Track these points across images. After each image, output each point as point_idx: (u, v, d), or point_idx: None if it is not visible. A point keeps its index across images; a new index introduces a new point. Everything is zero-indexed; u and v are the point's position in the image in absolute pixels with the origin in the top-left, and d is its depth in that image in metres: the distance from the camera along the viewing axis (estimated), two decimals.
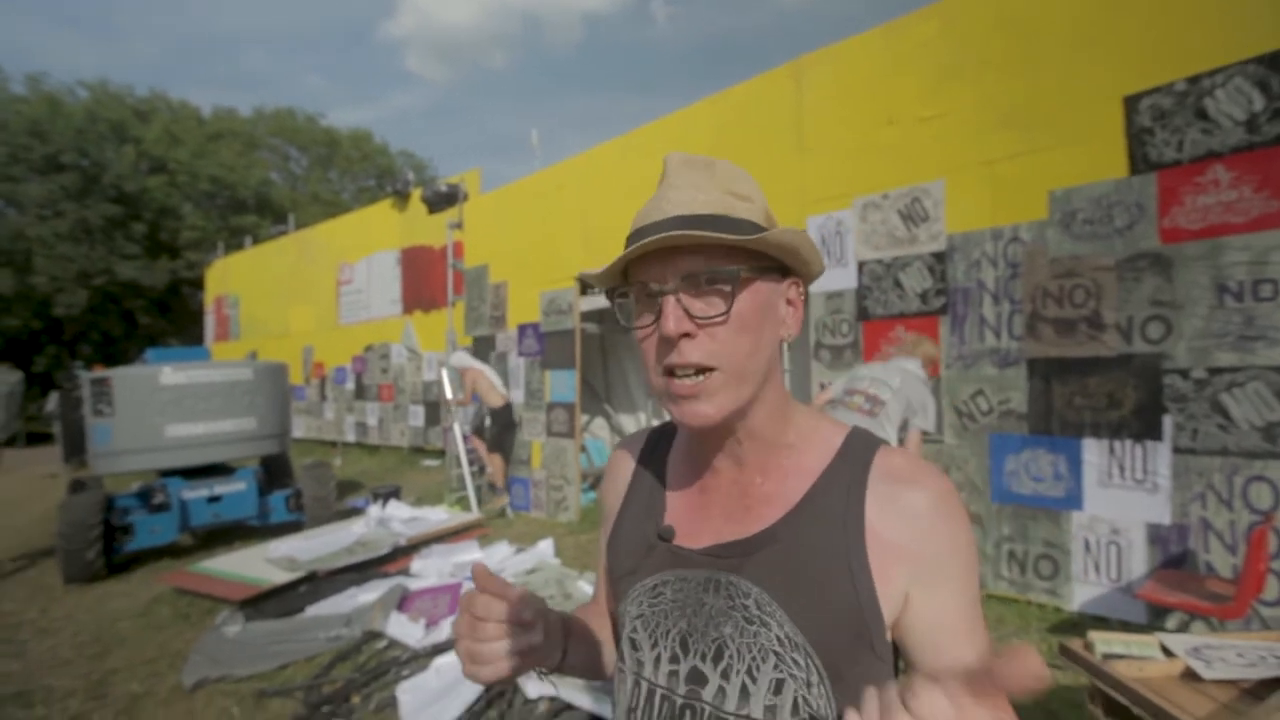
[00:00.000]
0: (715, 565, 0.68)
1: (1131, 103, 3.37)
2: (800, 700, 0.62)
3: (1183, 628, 3.10)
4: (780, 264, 0.67)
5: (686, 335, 0.61)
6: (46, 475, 11.10)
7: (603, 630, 0.85)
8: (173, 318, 23.70)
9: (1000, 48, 3.81)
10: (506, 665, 0.65)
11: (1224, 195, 3.12)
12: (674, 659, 0.68)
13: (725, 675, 0.64)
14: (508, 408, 6.80)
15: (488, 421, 6.78)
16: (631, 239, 0.65)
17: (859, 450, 0.69)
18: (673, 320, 0.61)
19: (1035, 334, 3.67)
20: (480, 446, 6.98)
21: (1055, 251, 3.61)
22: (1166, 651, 1.86)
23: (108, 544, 5.22)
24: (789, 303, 0.69)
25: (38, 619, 4.46)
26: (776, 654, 0.63)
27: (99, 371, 5.99)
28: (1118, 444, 3.41)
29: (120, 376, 5.74)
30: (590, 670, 0.81)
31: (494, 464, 6.85)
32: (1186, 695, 1.69)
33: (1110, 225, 3.44)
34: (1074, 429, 3.54)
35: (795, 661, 0.62)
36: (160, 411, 5.73)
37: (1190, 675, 1.77)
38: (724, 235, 0.59)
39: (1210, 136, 3.16)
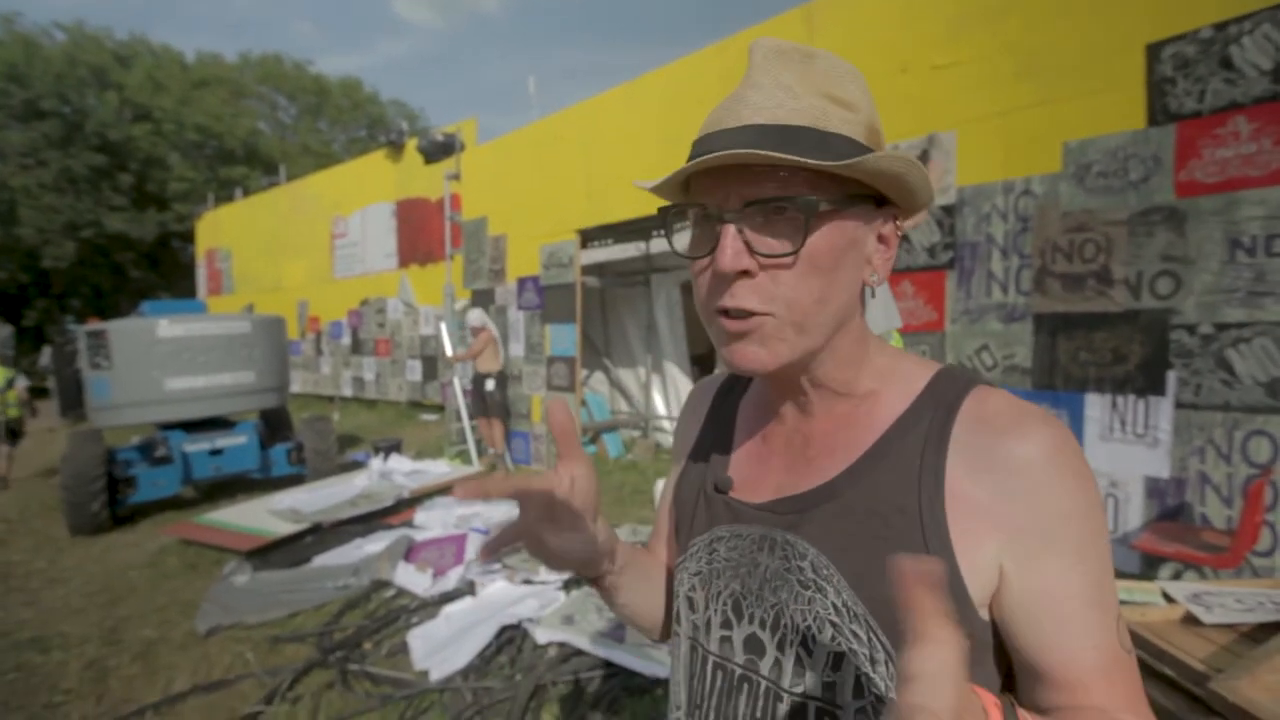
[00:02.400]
0: (772, 522, 0.61)
1: (1154, 51, 3.28)
2: (863, 679, 0.53)
3: (1176, 578, 3.18)
4: (876, 193, 0.55)
5: (745, 274, 0.52)
6: (44, 429, 11.10)
7: (658, 573, 0.79)
8: (163, 271, 23.41)
9: None
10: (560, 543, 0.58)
11: (1243, 148, 3.06)
12: (725, 624, 0.62)
13: (781, 646, 0.58)
14: (504, 373, 6.78)
15: (490, 386, 6.56)
16: (697, 147, 0.54)
17: (946, 392, 0.57)
18: (729, 254, 0.51)
19: (1043, 289, 3.65)
20: (484, 425, 6.84)
21: (1067, 205, 3.56)
22: (1167, 598, 1.91)
23: (111, 496, 5.26)
24: (881, 239, 0.57)
25: (47, 569, 4.52)
26: (834, 624, 0.55)
27: (94, 324, 5.93)
28: (1120, 399, 3.43)
29: (117, 329, 5.69)
30: (633, 601, 0.72)
31: (497, 431, 6.77)
32: (1187, 639, 1.73)
33: (1125, 178, 3.38)
34: (1077, 384, 3.55)
35: (855, 634, 0.54)
36: (159, 364, 5.70)
37: (1190, 620, 1.82)
38: (804, 158, 0.49)
39: (1233, 86, 3.08)
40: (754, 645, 0.60)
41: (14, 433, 7.90)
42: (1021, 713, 0.44)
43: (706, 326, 0.57)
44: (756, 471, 0.66)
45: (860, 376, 0.60)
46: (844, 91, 0.54)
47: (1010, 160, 3.75)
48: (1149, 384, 3.33)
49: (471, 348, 6.61)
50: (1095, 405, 3.50)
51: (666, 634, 0.78)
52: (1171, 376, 3.27)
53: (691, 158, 0.54)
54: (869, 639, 0.54)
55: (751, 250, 0.52)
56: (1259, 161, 3.01)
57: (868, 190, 0.55)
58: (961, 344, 3.95)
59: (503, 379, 6.67)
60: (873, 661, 0.53)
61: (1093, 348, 3.49)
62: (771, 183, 0.51)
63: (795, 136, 0.50)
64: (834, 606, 0.55)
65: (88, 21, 22.37)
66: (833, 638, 0.55)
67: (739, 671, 0.61)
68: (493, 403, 6.66)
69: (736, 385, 0.75)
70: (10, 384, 8.01)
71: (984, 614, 0.54)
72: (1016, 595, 0.52)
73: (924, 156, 4.08)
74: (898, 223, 0.58)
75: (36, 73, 19.07)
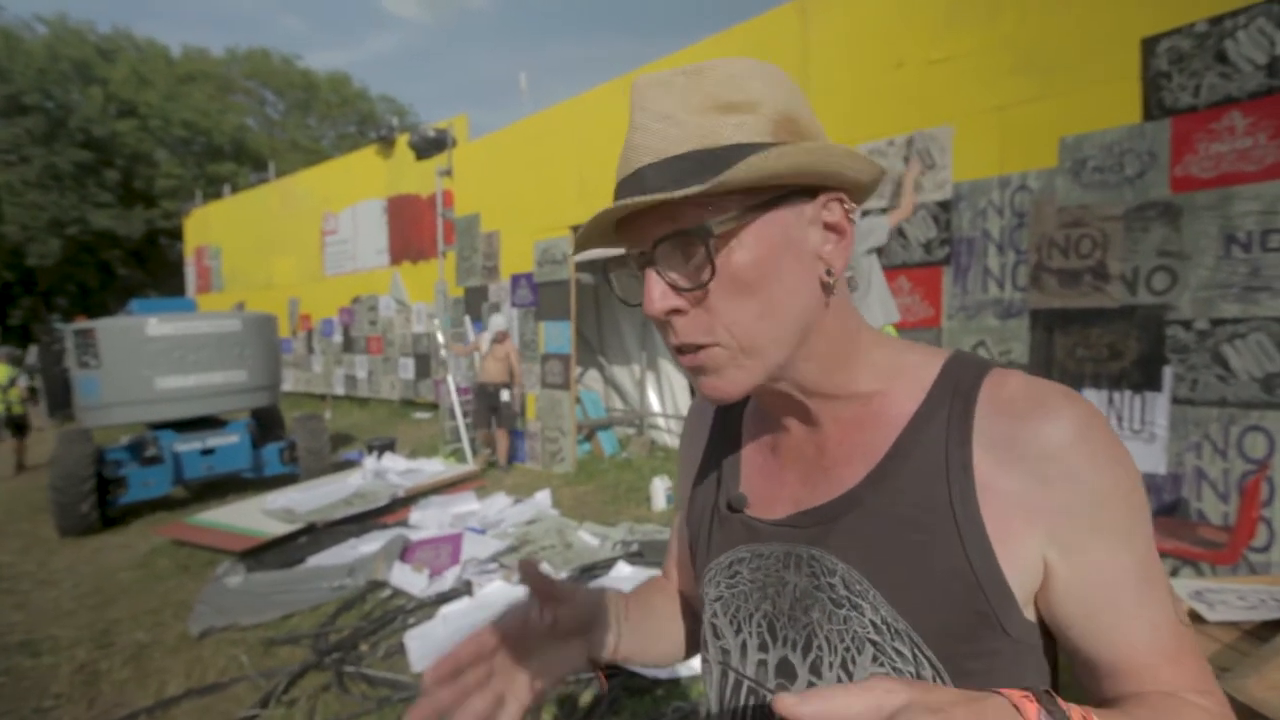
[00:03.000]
0: (794, 538, 0.58)
1: (1149, 45, 3.28)
2: None
3: (1174, 574, 3.19)
4: (802, 185, 0.51)
5: (678, 311, 0.51)
6: (32, 429, 10.96)
7: (666, 606, 0.77)
8: (151, 269, 23.19)
9: None
10: (529, 687, 0.58)
11: (1238, 143, 3.06)
12: (763, 647, 0.59)
13: (815, 669, 0.55)
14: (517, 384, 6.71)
15: (506, 397, 6.45)
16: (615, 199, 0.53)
17: (960, 380, 0.54)
18: (656, 297, 0.50)
19: (1039, 285, 3.65)
20: (487, 436, 6.77)
21: (1064, 200, 3.56)
22: None
23: (101, 497, 5.20)
24: (829, 228, 0.53)
25: (36, 571, 4.46)
26: (874, 643, 0.52)
27: (82, 323, 5.86)
28: (1117, 394, 3.44)
29: (105, 328, 5.62)
30: (634, 654, 0.70)
31: (505, 441, 6.70)
32: None
33: (1120, 174, 3.38)
34: (1074, 380, 3.56)
35: (899, 652, 0.51)
36: (149, 363, 5.64)
37: (1193, 618, 1.82)
38: (671, 192, 0.47)
39: (1228, 81, 3.09)
40: (785, 669, 0.58)
41: (20, 426, 8.42)
42: (1065, 704, 0.42)
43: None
44: (770, 487, 0.63)
45: (857, 376, 0.57)
46: (739, 94, 0.50)
47: (1006, 155, 3.75)
48: (1145, 380, 3.34)
49: (494, 351, 6.46)
50: (1092, 401, 3.51)
51: (687, 653, 0.77)
52: (1168, 372, 3.27)
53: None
54: (914, 656, 0.51)
55: (676, 288, 0.50)
56: (1254, 156, 3.02)
57: (782, 190, 0.51)
58: (958, 340, 3.95)
59: (515, 390, 6.60)
60: (921, 680, 0.50)
61: (1089, 343, 3.50)
62: (666, 219, 0.50)
63: (678, 165, 0.49)
64: (872, 624, 0.52)
65: (70, 15, 22.01)
66: (875, 658, 0.52)
67: (771, 697, 0.58)
68: (508, 414, 6.56)
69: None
70: (13, 382, 8.57)
71: (1029, 613, 0.51)
72: (1066, 586, 0.50)
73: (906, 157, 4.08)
74: (845, 206, 0.53)
75: (18, 67, 18.80)
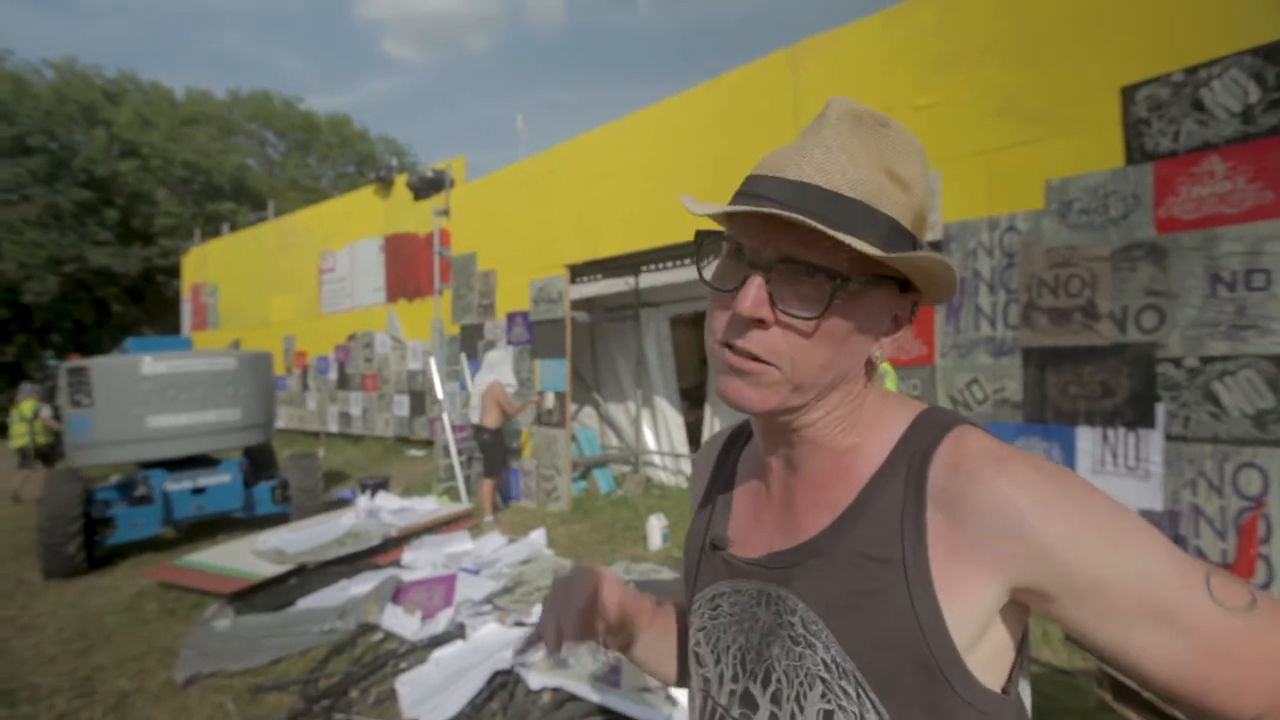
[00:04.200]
0: (765, 577, 0.62)
1: (1129, 93, 3.39)
2: None
3: None
4: (904, 277, 0.56)
5: (760, 322, 0.53)
6: (17, 468, 10.81)
7: (675, 625, 0.82)
8: (146, 306, 23.17)
9: (998, 37, 3.81)
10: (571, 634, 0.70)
11: (1219, 186, 3.15)
12: (734, 678, 0.63)
13: (776, 701, 0.58)
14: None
15: (495, 440, 6.04)
16: (750, 184, 0.55)
17: (921, 438, 0.57)
18: (750, 301, 0.51)
19: (1030, 323, 3.70)
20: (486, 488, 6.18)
21: (1051, 241, 3.63)
22: None
23: (89, 537, 5.12)
24: (895, 320, 0.59)
25: (18, 615, 4.35)
26: (824, 680, 0.55)
27: (76, 360, 5.84)
28: (1111, 432, 3.45)
29: (99, 366, 5.60)
30: (649, 659, 0.78)
31: (488, 491, 6.17)
32: None
33: (1106, 215, 3.46)
34: (1068, 417, 3.58)
35: (844, 691, 0.54)
36: (142, 402, 5.61)
37: None
38: (855, 239, 0.49)
39: (1206, 128, 3.19)
40: (748, 701, 0.61)
41: (45, 456, 8.99)
42: None
43: (709, 351, 0.58)
44: (752, 526, 0.67)
45: (851, 431, 0.60)
46: (904, 169, 0.54)
47: (994, 197, 3.84)
48: (1138, 417, 3.37)
49: (511, 402, 6.09)
50: (1086, 438, 3.52)
51: (682, 680, 0.80)
52: (1160, 409, 3.30)
53: (742, 193, 0.55)
54: (859, 697, 0.53)
55: (773, 303, 0.52)
56: (1234, 199, 3.10)
57: (898, 275, 0.55)
58: (952, 378, 3.98)
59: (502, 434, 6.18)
60: None
61: (1081, 381, 3.53)
62: (814, 249, 0.51)
63: (845, 208, 0.51)
64: (823, 662, 0.55)
65: (78, 59, 22.45)
66: (823, 694, 0.55)
67: None
68: (495, 460, 6.12)
69: (739, 439, 0.77)
70: (36, 414, 9.09)
71: (989, 679, 0.53)
72: (1094, 638, 0.50)
73: None
74: (915, 308, 0.60)
75: (25, 110, 19.07)
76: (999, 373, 3.81)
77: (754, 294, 0.52)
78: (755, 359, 0.54)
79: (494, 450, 6.09)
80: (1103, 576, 0.48)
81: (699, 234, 0.60)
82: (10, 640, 3.93)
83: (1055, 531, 0.48)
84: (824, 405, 0.58)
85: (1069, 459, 3.57)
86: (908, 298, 0.58)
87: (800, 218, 0.48)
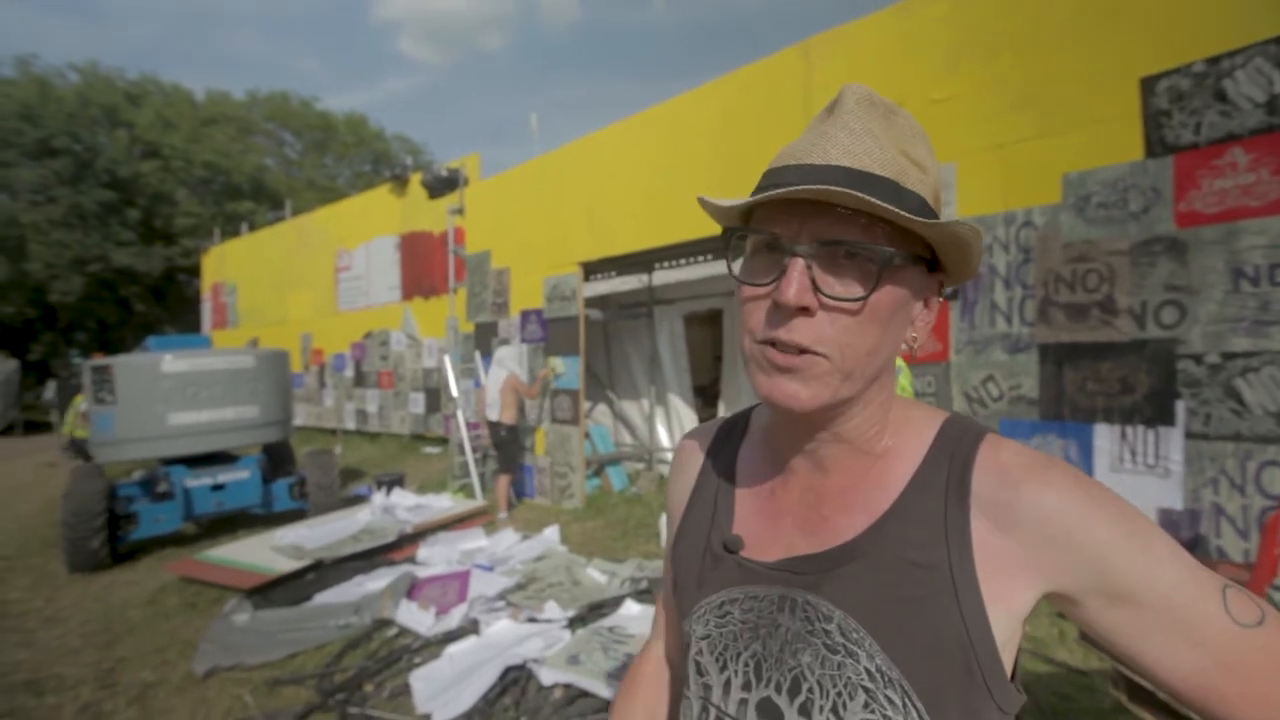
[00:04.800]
0: (790, 582, 0.59)
1: (1149, 84, 3.33)
2: None
3: None
4: (932, 256, 0.56)
5: (804, 310, 0.51)
6: (45, 464, 11.06)
7: (658, 692, 0.81)
8: (168, 305, 23.57)
9: (1013, 28, 3.75)
10: None
11: (1242, 178, 3.08)
12: (746, 685, 0.60)
13: (805, 711, 0.55)
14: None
15: (502, 434, 6.04)
16: (773, 176, 0.54)
17: (958, 444, 0.57)
18: (795, 288, 0.50)
19: (1047, 319, 3.65)
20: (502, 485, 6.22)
21: (1069, 236, 3.58)
22: None
23: (112, 533, 5.21)
24: (925, 303, 0.58)
25: (44, 608, 4.45)
26: (867, 690, 0.53)
27: (100, 359, 5.95)
28: (1130, 429, 3.40)
29: (122, 364, 5.70)
30: None
31: (504, 487, 6.22)
32: None
33: (1125, 209, 3.40)
34: (1086, 414, 3.53)
35: (890, 700, 0.52)
36: (163, 399, 5.70)
37: None
38: (899, 211, 0.48)
39: (1229, 119, 3.12)
40: (768, 710, 0.58)
41: (82, 449, 8.89)
42: None
43: (745, 355, 0.56)
44: (767, 529, 0.64)
45: (883, 435, 0.60)
46: (917, 152, 0.55)
47: (1010, 192, 3.78)
48: (1158, 414, 3.31)
49: (529, 388, 6.19)
50: (1104, 436, 3.47)
51: None
52: (1180, 406, 3.24)
53: (764, 187, 0.54)
54: (904, 704, 0.52)
55: (816, 289, 0.51)
56: (1258, 192, 3.04)
57: (929, 253, 0.56)
58: (967, 375, 3.94)
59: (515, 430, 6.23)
60: None
61: (1100, 378, 3.48)
62: (853, 227, 0.51)
63: (878, 186, 0.50)
64: (866, 671, 0.53)
65: (101, 62, 22.88)
66: (866, 704, 0.53)
67: None
68: (510, 456, 6.18)
69: (733, 434, 0.73)
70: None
71: (1006, 666, 0.53)
72: (1114, 641, 0.52)
73: None
74: (940, 289, 0.59)
75: (49, 112, 19.46)
76: (1015, 369, 3.76)
77: (798, 280, 0.50)
78: (802, 351, 0.52)
79: (510, 447, 6.14)
80: (1136, 585, 0.50)
81: (727, 230, 0.58)
82: (36, 632, 4.03)
83: (1098, 540, 0.50)
84: (865, 400, 0.57)
85: (1086, 457, 3.52)
86: (934, 278, 0.58)
87: (847, 191, 0.48)
